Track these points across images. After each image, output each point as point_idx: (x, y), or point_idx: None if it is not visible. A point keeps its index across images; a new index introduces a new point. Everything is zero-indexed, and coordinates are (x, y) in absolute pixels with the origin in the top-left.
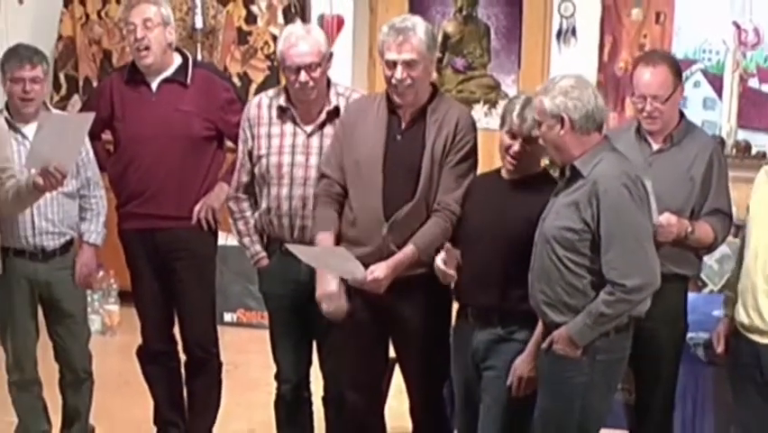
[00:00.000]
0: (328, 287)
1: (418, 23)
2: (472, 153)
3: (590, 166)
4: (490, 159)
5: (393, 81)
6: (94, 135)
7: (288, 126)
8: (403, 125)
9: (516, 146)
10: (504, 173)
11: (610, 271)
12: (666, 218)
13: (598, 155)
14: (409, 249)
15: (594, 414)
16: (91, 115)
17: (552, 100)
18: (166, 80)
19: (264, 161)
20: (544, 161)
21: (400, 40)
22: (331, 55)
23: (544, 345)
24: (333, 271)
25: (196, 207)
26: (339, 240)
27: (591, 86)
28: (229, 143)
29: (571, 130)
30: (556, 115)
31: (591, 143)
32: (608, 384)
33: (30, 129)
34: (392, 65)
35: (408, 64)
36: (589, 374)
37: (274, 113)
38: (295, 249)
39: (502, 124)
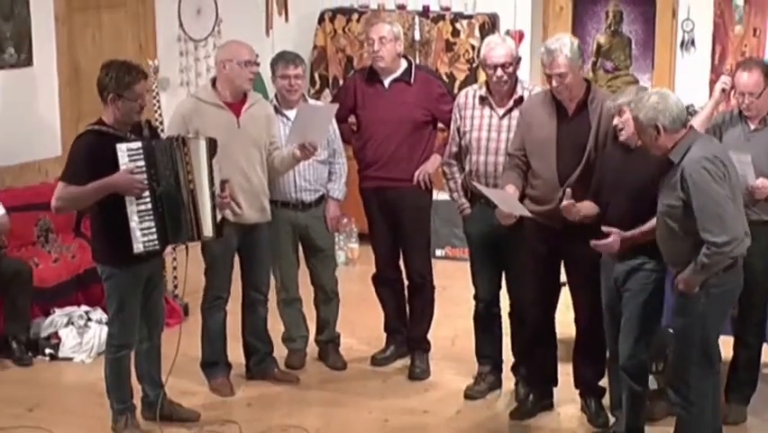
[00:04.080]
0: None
1: (564, 43)
2: None
3: (680, 155)
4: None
5: (552, 87)
6: (342, 119)
7: (486, 110)
8: (570, 113)
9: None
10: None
11: (704, 233)
12: (762, 182)
13: (686, 144)
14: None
15: (712, 332)
16: (335, 106)
17: (645, 115)
18: (395, 80)
19: (468, 135)
20: None
21: (551, 59)
22: (519, 59)
23: (674, 286)
24: (507, 208)
25: (416, 172)
26: (523, 197)
27: (672, 95)
28: (440, 125)
29: (665, 133)
30: (652, 125)
31: (680, 137)
32: (721, 309)
33: (291, 113)
34: (549, 77)
35: (560, 76)
36: (705, 304)
37: (477, 101)
38: (481, 187)
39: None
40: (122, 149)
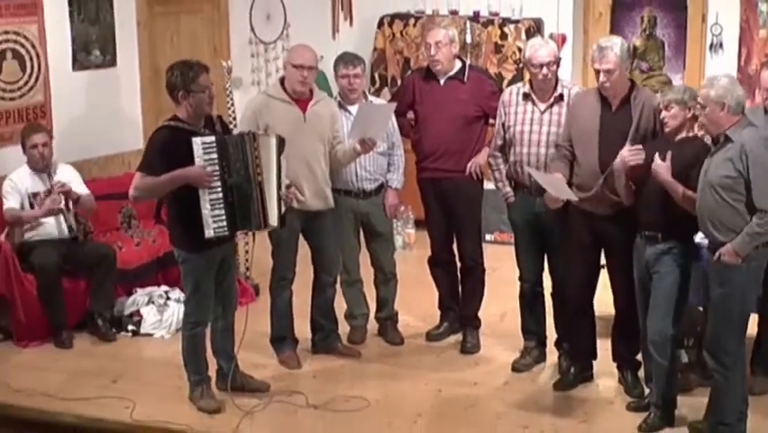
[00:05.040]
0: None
1: (615, 43)
2: None
3: (737, 134)
4: None
5: (599, 82)
6: (401, 114)
7: (529, 106)
8: (613, 108)
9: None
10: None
11: (759, 201)
12: None
13: (742, 126)
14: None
15: (748, 302)
16: (393, 106)
17: (716, 92)
18: (450, 78)
19: (512, 129)
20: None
21: (601, 56)
22: (560, 59)
23: (714, 258)
24: (556, 192)
25: (468, 164)
26: (569, 185)
27: (738, 83)
28: (491, 120)
29: (728, 112)
30: (720, 102)
31: (737, 119)
32: (757, 282)
33: (353, 108)
34: (597, 72)
35: (607, 72)
36: (746, 275)
37: (520, 97)
38: (533, 171)
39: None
40: (197, 142)
